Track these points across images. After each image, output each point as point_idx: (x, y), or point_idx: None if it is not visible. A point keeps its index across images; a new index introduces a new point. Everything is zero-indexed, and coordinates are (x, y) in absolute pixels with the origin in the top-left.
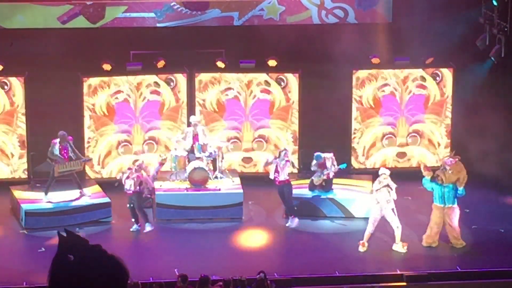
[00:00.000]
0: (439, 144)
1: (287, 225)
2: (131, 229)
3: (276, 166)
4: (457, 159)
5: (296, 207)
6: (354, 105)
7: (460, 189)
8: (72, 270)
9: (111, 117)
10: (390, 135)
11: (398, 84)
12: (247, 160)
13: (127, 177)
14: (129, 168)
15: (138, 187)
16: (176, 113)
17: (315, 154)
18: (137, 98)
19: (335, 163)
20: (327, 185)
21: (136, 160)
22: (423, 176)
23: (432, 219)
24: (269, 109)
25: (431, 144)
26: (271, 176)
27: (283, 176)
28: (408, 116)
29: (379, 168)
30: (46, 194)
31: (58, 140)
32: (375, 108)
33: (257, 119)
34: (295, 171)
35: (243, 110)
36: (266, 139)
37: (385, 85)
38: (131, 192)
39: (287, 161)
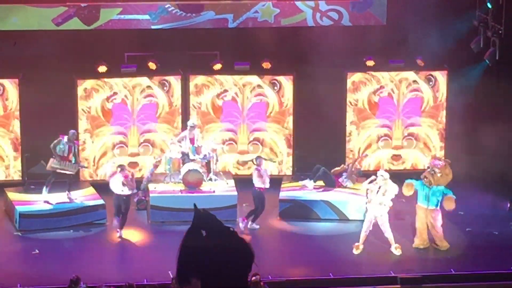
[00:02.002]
0: (435, 148)
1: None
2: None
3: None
4: (445, 162)
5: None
6: (350, 109)
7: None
8: (202, 244)
9: (107, 119)
10: (386, 138)
11: (396, 87)
12: (243, 163)
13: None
14: (122, 171)
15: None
16: (173, 116)
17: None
18: (134, 100)
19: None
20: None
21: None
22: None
23: (418, 220)
24: (265, 112)
25: (426, 147)
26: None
27: (257, 183)
28: (404, 119)
29: (377, 170)
30: (46, 187)
31: (66, 137)
32: (371, 110)
33: (254, 122)
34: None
35: (239, 112)
36: (261, 141)
37: (382, 87)
38: (128, 194)
39: (257, 169)
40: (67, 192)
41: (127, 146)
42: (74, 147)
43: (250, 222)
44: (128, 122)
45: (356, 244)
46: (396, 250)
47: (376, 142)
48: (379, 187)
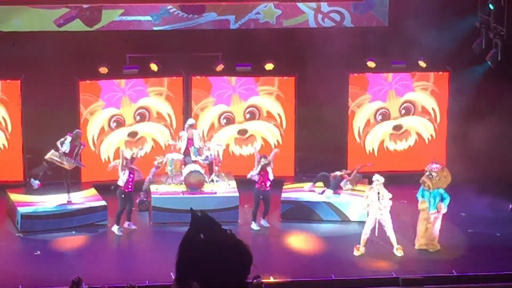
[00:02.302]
0: (434, 110)
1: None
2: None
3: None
4: (442, 165)
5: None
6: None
7: (445, 200)
8: (200, 247)
9: (97, 93)
10: (383, 109)
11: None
12: (243, 132)
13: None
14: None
15: (129, 185)
16: (160, 80)
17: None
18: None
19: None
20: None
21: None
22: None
23: (420, 222)
24: (254, 80)
25: (425, 111)
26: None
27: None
28: (397, 88)
29: (373, 173)
30: (39, 177)
31: (72, 135)
32: (362, 85)
33: (246, 89)
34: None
35: (228, 82)
36: (258, 108)
37: None
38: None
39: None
40: (67, 193)
41: (123, 118)
42: (79, 147)
43: (252, 222)
44: (118, 93)
45: (357, 245)
46: (398, 251)
47: (374, 117)
48: (378, 193)
